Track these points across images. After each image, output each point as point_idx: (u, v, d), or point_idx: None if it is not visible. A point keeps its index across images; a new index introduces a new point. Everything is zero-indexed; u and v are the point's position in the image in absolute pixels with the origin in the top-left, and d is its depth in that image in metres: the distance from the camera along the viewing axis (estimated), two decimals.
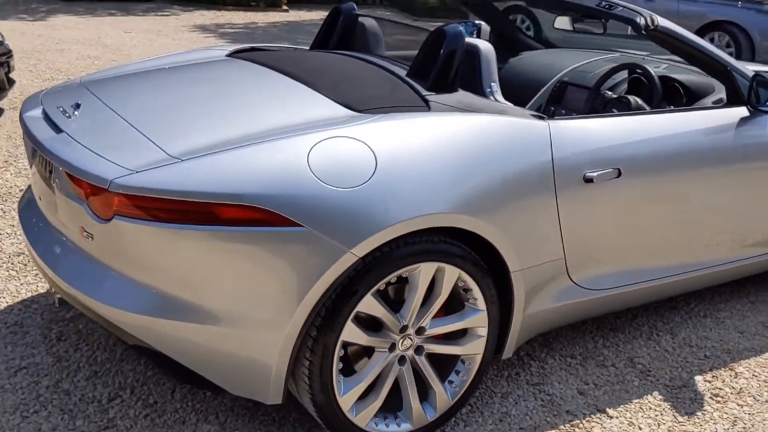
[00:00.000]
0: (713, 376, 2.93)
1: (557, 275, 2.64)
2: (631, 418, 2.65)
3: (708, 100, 3.32)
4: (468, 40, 2.73)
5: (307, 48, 3.52)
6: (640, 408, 2.70)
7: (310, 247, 2.11)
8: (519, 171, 2.46)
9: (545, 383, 2.82)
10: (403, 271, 2.27)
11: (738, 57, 9.55)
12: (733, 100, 3.13)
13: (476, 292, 2.43)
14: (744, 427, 2.63)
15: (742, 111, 3.10)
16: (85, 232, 2.22)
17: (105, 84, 2.82)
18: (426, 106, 2.52)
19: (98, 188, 2.11)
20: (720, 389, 2.85)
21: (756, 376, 2.94)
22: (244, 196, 2.06)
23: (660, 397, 2.77)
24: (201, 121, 2.36)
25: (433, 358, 2.45)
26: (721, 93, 3.33)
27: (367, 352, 2.38)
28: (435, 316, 2.41)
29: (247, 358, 2.20)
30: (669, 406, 2.72)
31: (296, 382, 2.27)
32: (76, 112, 2.48)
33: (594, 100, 3.37)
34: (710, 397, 2.79)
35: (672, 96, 3.37)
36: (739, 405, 2.76)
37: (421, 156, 2.30)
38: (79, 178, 2.17)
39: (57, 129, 2.41)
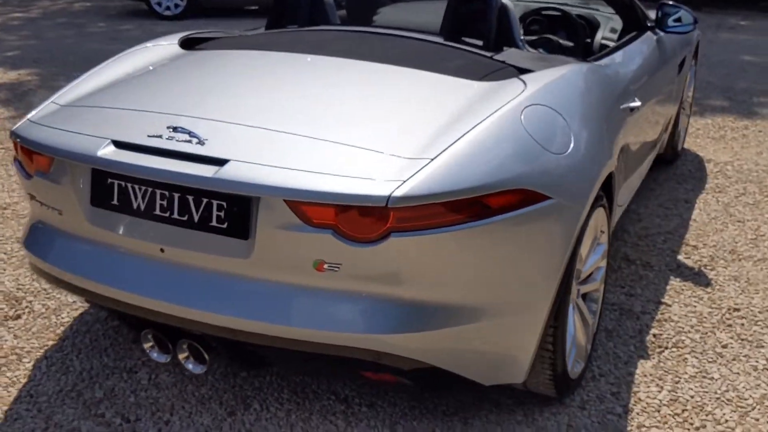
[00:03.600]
0: (685, 253, 3.56)
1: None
2: (681, 301, 3.13)
3: (605, 31, 3.85)
4: None
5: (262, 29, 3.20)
6: (675, 291, 3.21)
7: (558, 217, 2.12)
8: (610, 110, 2.70)
9: None
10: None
11: None
12: (637, 28, 3.69)
13: (605, 228, 2.64)
14: (747, 280, 3.31)
15: (651, 34, 3.70)
16: (326, 263, 1.91)
17: (152, 97, 2.34)
18: (511, 67, 2.57)
19: (359, 209, 1.85)
20: (700, 260, 3.49)
21: (706, 245, 3.66)
22: (508, 180, 1.98)
23: (677, 279, 3.31)
24: (373, 120, 2.17)
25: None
26: (608, 24, 3.89)
27: None
28: None
29: (510, 343, 2.14)
30: (690, 284, 3.27)
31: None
32: (198, 136, 2.02)
33: None
34: (704, 268, 3.42)
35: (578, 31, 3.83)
36: (723, 267, 3.44)
37: (581, 111, 2.41)
38: (323, 204, 1.85)
39: (212, 160, 1.96)
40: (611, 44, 3.60)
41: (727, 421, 2.43)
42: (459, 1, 2.79)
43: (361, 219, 1.86)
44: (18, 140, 2.27)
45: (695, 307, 3.09)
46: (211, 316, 2.01)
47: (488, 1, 2.73)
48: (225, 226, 1.97)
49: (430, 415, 2.44)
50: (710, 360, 2.74)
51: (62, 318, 2.99)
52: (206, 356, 2.19)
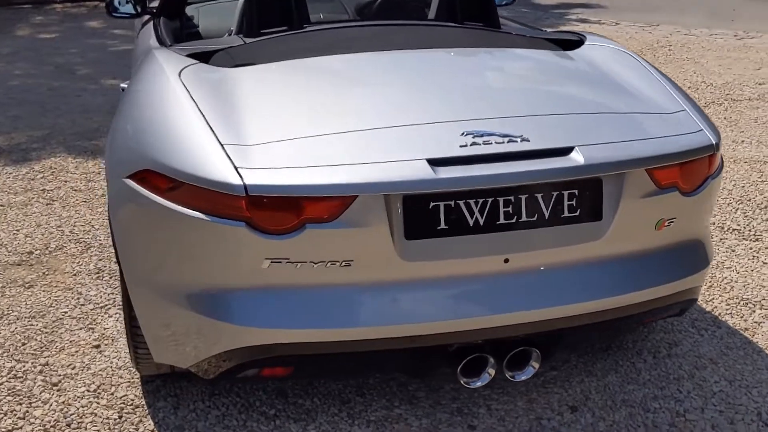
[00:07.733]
0: None
1: None
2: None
3: None
4: None
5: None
6: None
7: None
8: None
9: None
10: None
11: None
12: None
13: None
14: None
15: None
16: (666, 221, 2.15)
17: (387, 112, 2.21)
18: (546, 41, 2.88)
19: (695, 162, 2.15)
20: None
21: None
22: None
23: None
24: (596, 90, 2.46)
25: None
26: None
27: None
28: None
29: None
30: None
31: None
32: (512, 134, 2.04)
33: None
34: None
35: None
36: None
37: None
38: (675, 165, 2.11)
39: (553, 152, 2.03)
40: None
41: None
42: None
43: (693, 171, 2.15)
44: (282, 192, 1.89)
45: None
46: (576, 306, 2.10)
47: None
48: (578, 213, 2.04)
49: (578, 375, 2.61)
50: None
51: None
52: (540, 355, 2.20)
